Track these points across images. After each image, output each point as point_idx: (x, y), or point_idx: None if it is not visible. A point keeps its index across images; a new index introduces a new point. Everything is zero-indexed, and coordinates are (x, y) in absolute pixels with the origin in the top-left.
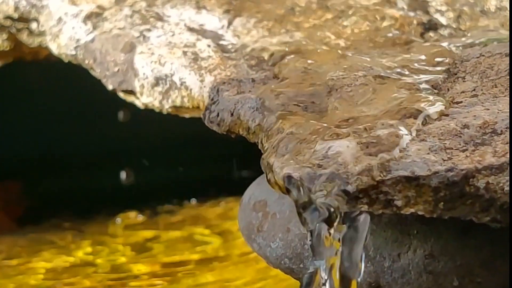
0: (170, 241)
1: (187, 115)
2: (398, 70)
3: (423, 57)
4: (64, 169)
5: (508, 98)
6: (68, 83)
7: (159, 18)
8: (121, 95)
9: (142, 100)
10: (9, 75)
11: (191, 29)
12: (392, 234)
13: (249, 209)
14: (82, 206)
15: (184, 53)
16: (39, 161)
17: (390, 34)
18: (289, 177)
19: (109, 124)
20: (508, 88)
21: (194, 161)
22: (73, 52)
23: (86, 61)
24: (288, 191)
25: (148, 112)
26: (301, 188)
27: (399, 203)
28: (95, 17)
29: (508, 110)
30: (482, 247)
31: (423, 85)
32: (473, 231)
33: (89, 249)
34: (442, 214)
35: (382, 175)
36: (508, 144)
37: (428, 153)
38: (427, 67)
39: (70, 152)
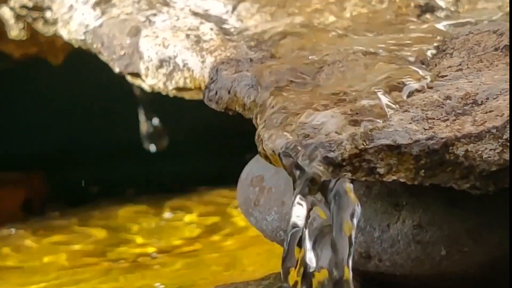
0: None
1: (188, 96)
2: (390, 47)
3: (415, 35)
4: (85, 161)
5: (491, 71)
6: (89, 77)
7: (165, 3)
8: (129, 78)
9: (147, 82)
10: (31, 69)
11: (195, 14)
12: (382, 206)
13: (247, 184)
14: (102, 196)
15: (187, 36)
16: (61, 154)
17: (388, 16)
18: (274, 148)
19: (129, 117)
20: (493, 62)
21: (215, 151)
22: (82, 37)
23: (94, 46)
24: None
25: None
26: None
27: (381, 170)
28: (103, 3)
29: (490, 82)
30: (468, 218)
31: (412, 61)
32: (459, 202)
33: (105, 234)
34: (423, 181)
35: (365, 144)
36: (487, 114)
37: (410, 123)
38: (418, 45)
39: (91, 145)
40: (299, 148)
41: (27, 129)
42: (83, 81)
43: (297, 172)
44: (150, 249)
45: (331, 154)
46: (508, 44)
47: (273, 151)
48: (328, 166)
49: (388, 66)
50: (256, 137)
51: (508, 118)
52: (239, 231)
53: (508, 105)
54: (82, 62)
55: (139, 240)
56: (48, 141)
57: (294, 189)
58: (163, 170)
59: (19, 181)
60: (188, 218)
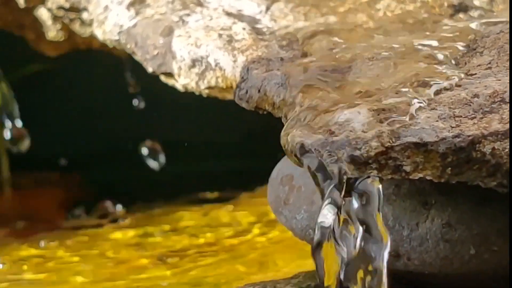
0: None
1: (220, 96)
2: (421, 46)
3: (446, 34)
4: (122, 162)
5: None
6: (126, 79)
7: (199, 3)
8: (162, 78)
9: (180, 81)
10: (69, 70)
11: (228, 14)
12: (411, 204)
13: (277, 183)
14: (139, 197)
15: (220, 35)
16: (98, 155)
17: (420, 16)
18: (301, 145)
19: (167, 118)
20: None
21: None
22: (117, 37)
23: (128, 46)
24: (300, 159)
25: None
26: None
27: (407, 168)
28: (138, 3)
29: None
30: (498, 217)
31: (442, 60)
32: (488, 201)
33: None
34: (449, 179)
35: (391, 141)
36: None
37: (437, 121)
38: (448, 44)
39: (129, 146)
40: (325, 146)
41: (65, 130)
42: (120, 83)
43: (320, 171)
44: (192, 245)
45: (357, 152)
46: None
47: (296, 149)
48: (354, 164)
49: (417, 65)
50: (282, 135)
51: None
52: (277, 230)
53: None
54: (119, 64)
55: (178, 236)
56: (86, 143)
57: (318, 187)
58: (205, 169)
59: (56, 182)
60: (228, 216)
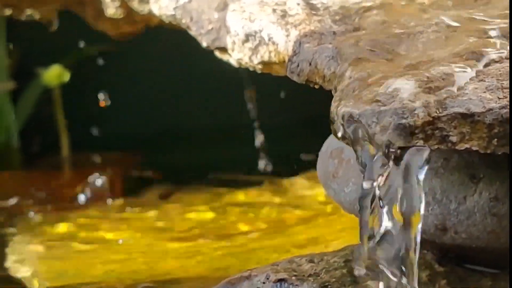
0: None
1: (274, 72)
2: (473, 21)
3: (500, 11)
4: (181, 143)
5: None
6: (188, 58)
7: None
8: (217, 53)
9: (234, 56)
10: (131, 51)
11: None
12: (459, 178)
13: (326, 157)
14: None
15: (274, 10)
16: (158, 135)
17: None
18: (349, 116)
19: (228, 99)
20: None
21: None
22: (172, 13)
23: (183, 21)
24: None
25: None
26: (360, 126)
27: (454, 138)
28: None
29: None
30: None
31: (493, 33)
32: None
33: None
34: (495, 150)
35: (438, 112)
36: None
37: (485, 92)
38: (501, 20)
39: (187, 127)
40: (372, 116)
41: (128, 111)
42: (182, 64)
43: (364, 141)
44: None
45: (403, 122)
46: None
47: (344, 119)
48: (400, 134)
49: (468, 38)
50: (331, 107)
51: None
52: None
53: None
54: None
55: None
56: (148, 123)
57: (358, 158)
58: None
59: (117, 161)
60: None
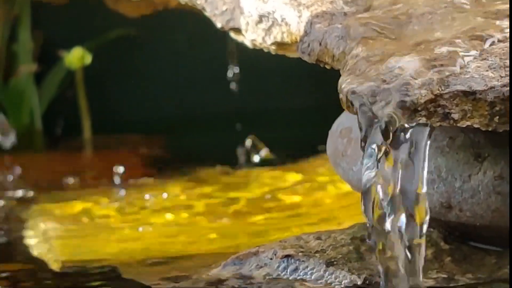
0: None
1: (288, 53)
2: (481, 2)
3: None
4: (204, 126)
5: None
6: (209, 44)
7: None
8: (232, 34)
9: (247, 37)
10: (154, 35)
11: None
12: (464, 156)
13: (336, 136)
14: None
15: None
16: (182, 119)
17: None
18: (353, 92)
19: (249, 85)
20: None
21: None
22: None
23: (198, 2)
24: (351, 106)
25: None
26: (363, 102)
27: (456, 116)
28: None
29: None
30: None
31: (500, 16)
32: None
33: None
34: (497, 127)
35: (440, 89)
36: None
37: (487, 70)
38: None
39: (210, 111)
40: (375, 93)
41: (149, 94)
42: (203, 49)
43: (369, 118)
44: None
45: (406, 99)
46: None
47: (347, 95)
48: (403, 111)
49: (474, 19)
50: (338, 85)
51: None
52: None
53: None
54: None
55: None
56: (171, 107)
57: (364, 136)
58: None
59: (138, 143)
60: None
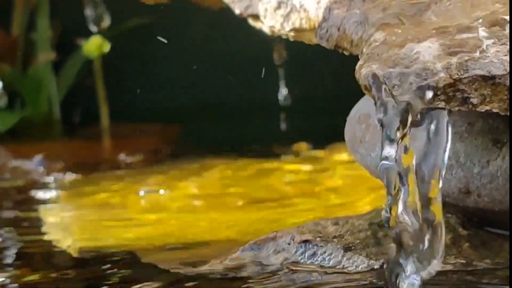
0: None
1: (306, 39)
2: None
3: None
4: (220, 116)
5: None
6: (228, 33)
7: None
8: (250, 21)
9: (266, 23)
10: (171, 24)
11: None
12: (483, 142)
13: (355, 122)
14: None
15: None
16: (198, 109)
17: None
18: (373, 75)
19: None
20: None
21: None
22: None
23: None
24: (369, 90)
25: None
26: (383, 86)
27: (475, 100)
28: None
29: None
30: None
31: None
32: None
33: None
34: None
35: (459, 74)
36: None
37: (506, 55)
38: None
39: (226, 101)
40: (395, 77)
41: (168, 83)
42: (221, 37)
43: (388, 103)
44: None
45: (425, 83)
46: None
47: (366, 80)
48: (422, 95)
49: (494, 5)
50: (356, 70)
51: None
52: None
53: None
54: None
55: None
56: (188, 95)
57: (381, 121)
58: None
59: (156, 131)
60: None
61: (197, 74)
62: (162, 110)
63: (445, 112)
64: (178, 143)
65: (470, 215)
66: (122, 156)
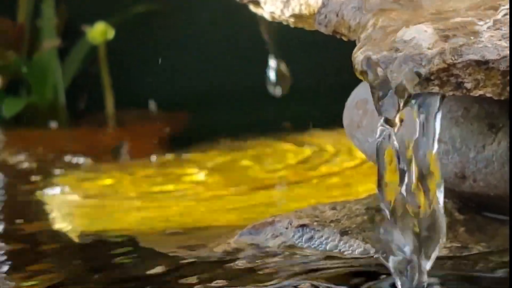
0: None
1: (307, 26)
2: None
3: None
4: (227, 103)
5: None
6: (234, 20)
7: None
8: (251, 7)
9: (266, 9)
10: (177, 9)
11: None
12: (478, 127)
13: (352, 107)
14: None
15: None
16: (205, 96)
17: None
18: (367, 59)
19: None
20: None
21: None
22: None
23: None
24: (364, 74)
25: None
26: (377, 70)
27: (468, 85)
28: None
29: None
30: None
31: None
32: None
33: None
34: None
35: (453, 58)
36: None
37: (500, 40)
38: None
39: (234, 88)
40: (389, 61)
41: (174, 70)
42: (227, 24)
43: (382, 86)
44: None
45: (419, 68)
46: None
47: (361, 64)
48: (415, 79)
49: None
50: (352, 55)
51: None
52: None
53: None
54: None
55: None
56: (192, 83)
57: (377, 104)
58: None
59: (161, 119)
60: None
61: (203, 60)
62: (168, 97)
63: (437, 97)
64: (183, 129)
65: (466, 200)
66: (125, 143)
